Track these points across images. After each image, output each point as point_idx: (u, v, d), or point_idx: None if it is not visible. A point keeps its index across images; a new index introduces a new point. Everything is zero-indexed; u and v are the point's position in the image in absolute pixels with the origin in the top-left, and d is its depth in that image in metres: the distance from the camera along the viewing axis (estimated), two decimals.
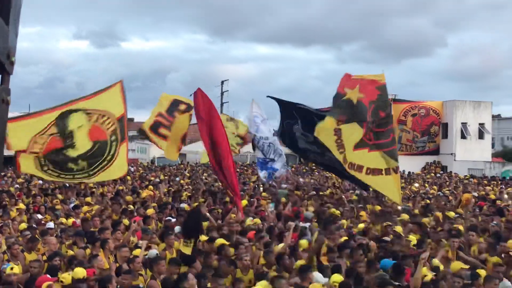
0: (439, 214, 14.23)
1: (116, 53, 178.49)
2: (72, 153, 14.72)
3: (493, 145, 46.22)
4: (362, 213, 14.86)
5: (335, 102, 16.29)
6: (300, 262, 8.86)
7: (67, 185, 20.70)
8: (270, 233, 11.37)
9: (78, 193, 18.20)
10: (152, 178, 25.48)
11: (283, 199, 17.71)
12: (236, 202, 13.81)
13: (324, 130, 15.28)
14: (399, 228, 11.89)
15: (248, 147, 52.10)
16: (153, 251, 9.41)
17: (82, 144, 14.73)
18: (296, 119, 17.81)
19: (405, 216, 13.56)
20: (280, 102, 18.81)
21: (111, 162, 14.90)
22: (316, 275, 7.96)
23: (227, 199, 17.26)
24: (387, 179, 15.33)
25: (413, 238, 10.93)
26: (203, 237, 10.41)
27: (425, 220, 13.52)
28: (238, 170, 28.79)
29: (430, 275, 8.15)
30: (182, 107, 18.24)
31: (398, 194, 15.41)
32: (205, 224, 10.75)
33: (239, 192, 14.51)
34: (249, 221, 12.45)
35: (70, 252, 9.42)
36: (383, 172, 15.28)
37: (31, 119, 15.15)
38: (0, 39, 1.23)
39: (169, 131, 18.13)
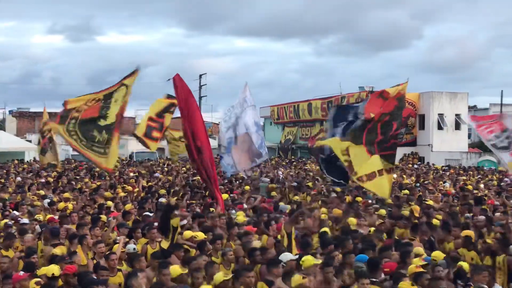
0: (416, 207, 14.27)
1: (92, 48, 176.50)
2: (102, 122, 14.91)
3: (469, 136, 46.77)
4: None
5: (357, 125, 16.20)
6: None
7: (43, 181, 20.56)
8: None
9: (54, 189, 18.06)
10: (131, 174, 25.32)
11: (274, 193, 17.86)
12: (216, 196, 13.69)
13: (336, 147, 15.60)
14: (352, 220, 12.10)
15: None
16: (131, 246, 9.36)
17: (111, 116, 14.92)
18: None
19: (382, 211, 13.63)
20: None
21: (110, 145, 14.89)
22: (286, 254, 8.20)
23: (207, 193, 17.26)
24: (381, 178, 15.37)
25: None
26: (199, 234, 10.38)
27: (404, 212, 13.59)
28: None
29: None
30: (172, 108, 18.52)
31: (388, 192, 15.46)
32: (176, 220, 10.65)
33: (218, 185, 14.42)
34: (241, 215, 12.40)
35: (55, 250, 9.32)
36: (377, 173, 15.35)
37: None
38: None
39: (160, 132, 18.31)
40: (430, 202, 15.30)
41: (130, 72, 15.43)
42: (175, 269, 7.66)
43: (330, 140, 15.82)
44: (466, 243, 10.29)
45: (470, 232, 10.67)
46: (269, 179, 21.62)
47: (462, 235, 10.63)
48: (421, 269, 7.64)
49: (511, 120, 17.62)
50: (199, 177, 15.19)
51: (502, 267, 9.32)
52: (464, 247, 10.23)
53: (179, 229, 10.55)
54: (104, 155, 14.69)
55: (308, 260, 7.85)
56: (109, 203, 14.27)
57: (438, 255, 8.86)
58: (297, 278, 7.28)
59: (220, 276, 7.38)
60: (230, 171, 20.31)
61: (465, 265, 8.46)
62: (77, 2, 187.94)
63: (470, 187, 20.05)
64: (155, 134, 18.30)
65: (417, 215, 13.29)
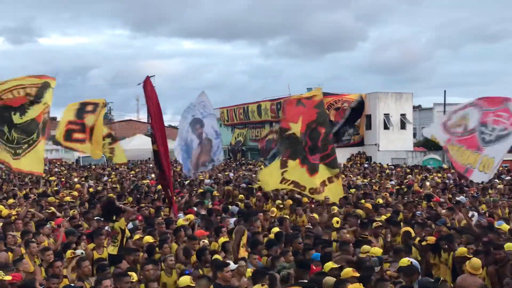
0: (368, 204, 14.54)
1: (34, 50, 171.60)
2: (16, 119, 14.38)
3: (415, 135, 47.95)
4: (288, 201, 15.23)
5: (280, 137, 16.32)
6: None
7: None
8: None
9: None
10: (77, 179, 24.82)
11: (215, 193, 17.88)
12: (171, 201, 13.60)
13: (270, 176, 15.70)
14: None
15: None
16: (78, 251, 9.18)
17: (29, 115, 14.43)
18: None
19: (335, 208, 13.81)
20: None
21: (30, 147, 14.40)
22: (230, 263, 8.10)
23: (155, 196, 17.11)
24: (331, 185, 15.69)
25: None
26: (146, 238, 10.24)
27: (359, 211, 13.83)
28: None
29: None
30: (89, 107, 18.18)
31: (341, 195, 15.76)
32: (122, 221, 10.53)
33: (173, 190, 14.33)
34: (181, 220, 12.27)
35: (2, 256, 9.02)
36: (327, 181, 15.63)
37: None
38: None
39: (84, 133, 17.91)
40: (380, 201, 15.62)
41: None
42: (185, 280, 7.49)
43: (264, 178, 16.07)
44: (405, 239, 10.46)
45: (408, 228, 10.88)
46: (210, 181, 21.81)
47: (401, 231, 10.84)
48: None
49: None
50: (160, 182, 14.98)
51: (448, 263, 9.54)
52: (403, 243, 10.33)
53: (127, 233, 10.41)
54: (16, 156, 14.37)
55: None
56: (52, 208, 13.93)
57: (375, 251, 9.00)
58: None
59: (186, 280, 7.31)
60: (189, 174, 20.56)
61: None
62: (16, 3, 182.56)
63: (416, 185, 20.55)
64: (77, 135, 17.88)
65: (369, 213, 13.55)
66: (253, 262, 8.97)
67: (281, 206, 15.41)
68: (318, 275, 7.60)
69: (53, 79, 15.75)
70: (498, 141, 16.51)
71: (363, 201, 15.27)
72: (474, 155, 16.65)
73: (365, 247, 9.35)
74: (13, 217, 12.86)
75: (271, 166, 16.28)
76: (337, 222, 11.90)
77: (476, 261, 8.28)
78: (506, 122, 16.60)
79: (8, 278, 7.36)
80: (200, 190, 18.87)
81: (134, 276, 7.65)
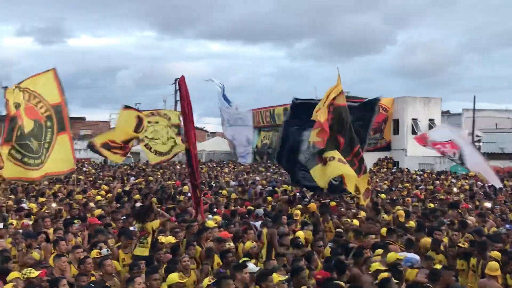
0: (401, 212, 14.41)
1: (63, 51, 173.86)
2: (24, 131, 13.86)
3: None
4: (312, 205, 15.14)
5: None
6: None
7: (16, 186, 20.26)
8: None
9: (27, 193, 17.85)
10: (106, 178, 25.16)
11: (234, 195, 17.92)
12: (199, 203, 13.63)
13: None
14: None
15: (202, 145, 51.89)
16: (104, 250, 9.29)
17: (27, 122, 13.86)
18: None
19: (362, 213, 13.76)
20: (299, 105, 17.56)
21: (48, 151, 14.13)
22: (249, 265, 8.11)
23: (181, 197, 17.22)
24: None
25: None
26: (164, 238, 10.32)
27: (388, 217, 13.75)
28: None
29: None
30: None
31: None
32: (156, 222, 10.60)
33: (201, 191, 14.39)
34: (210, 222, 12.33)
35: (35, 254, 9.18)
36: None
37: None
38: None
39: (122, 150, 17.62)
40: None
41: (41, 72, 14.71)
42: (173, 277, 7.64)
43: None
44: (434, 246, 10.40)
45: (436, 236, 10.83)
46: (235, 183, 21.97)
47: (430, 238, 10.76)
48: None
49: (459, 137, 17.83)
50: (190, 181, 15.00)
51: (476, 270, 9.44)
52: (432, 250, 10.30)
53: (156, 233, 10.49)
54: (41, 165, 13.94)
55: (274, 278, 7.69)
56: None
57: (390, 257, 8.91)
58: None
59: (174, 276, 7.46)
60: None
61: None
62: (45, 4, 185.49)
63: (443, 192, 20.37)
64: (116, 150, 17.64)
65: (402, 219, 13.43)
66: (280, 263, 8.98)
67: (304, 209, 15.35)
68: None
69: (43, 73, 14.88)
70: (466, 159, 17.00)
71: (398, 207, 15.10)
72: None
73: (378, 250, 9.35)
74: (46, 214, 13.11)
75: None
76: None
77: (494, 263, 8.39)
78: (446, 148, 17.68)
79: (34, 275, 7.50)
80: (224, 192, 18.96)
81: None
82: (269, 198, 17.17)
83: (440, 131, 18.57)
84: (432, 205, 16.07)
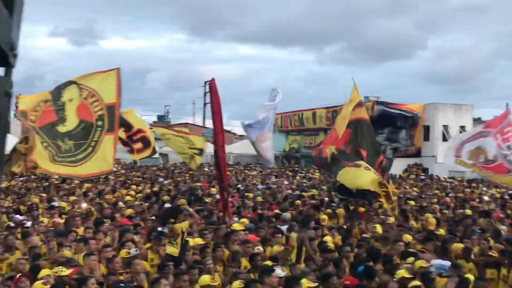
0: (432, 219, 14.29)
1: (95, 52, 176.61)
2: (61, 129, 13.71)
3: None
4: (340, 211, 15.06)
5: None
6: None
7: (47, 184, 20.60)
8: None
9: (58, 192, 18.13)
10: (135, 179, 25.41)
11: (259, 198, 17.92)
12: (227, 205, 13.66)
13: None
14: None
15: (230, 148, 52.08)
16: (133, 250, 9.36)
17: (71, 119, 13.77)
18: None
19: (391, 219, 13.64)
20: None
21: (95, 150, 14.20)
22: (277, 269, 8.06)
23: (208, 199, 17.29)
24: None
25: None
26: (192, 240, 10.38)
27: (415, 225, 13.62)
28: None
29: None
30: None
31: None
32: (185, 224, 10.65)
33: (229, 194, 14.46)
34: (237, 225, 12.34)
35: (66, 252, 9.32)
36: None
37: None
38: (4, 30, 1.18)
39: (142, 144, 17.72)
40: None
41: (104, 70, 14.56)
42: (205, 279, 7.68)
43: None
44: (465, 255, 10.25)
45: (467, 244, 10.68)
46: (262, 187, 21.98)
47: (461, 247, 10.61)
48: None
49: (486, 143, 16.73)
50: (217, 184, 15.07)
51: (507, 280, 9.29)
52: (462, 258, 10.13)
53: (185, 235, 10.53)
54: (79, 162, 14.14)
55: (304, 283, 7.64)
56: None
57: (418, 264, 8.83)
58: None
59: (206, 278, 7.44)
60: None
61: (470, 277, 8.44)
62: (79, 5, 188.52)
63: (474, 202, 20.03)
64: (136, 145, 17.79)
65: (432, 227, 13.29)
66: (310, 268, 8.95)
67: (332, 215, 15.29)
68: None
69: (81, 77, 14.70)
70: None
71: (428, 215, 14.93)
72: (509, 177, 16.06)
73: (410, 258, 9.23)
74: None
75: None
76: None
77: None
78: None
79: (66, 273, 7.63)
80: (250, 195, 18.97)
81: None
82: (297, 202, 17.11)
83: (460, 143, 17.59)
84: (469, 211, 15.85)
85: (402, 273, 7.92)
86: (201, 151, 18.04)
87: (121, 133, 17.38)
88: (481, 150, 16.66)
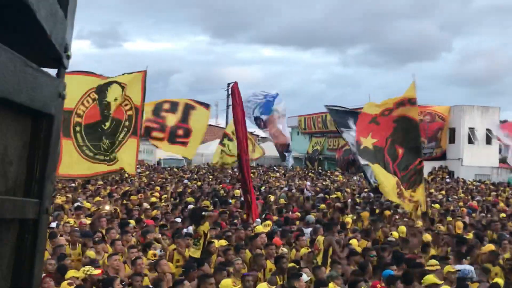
0: (459, 223, 14.13)
1: (119, 54, 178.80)
2: (105, 127, 14.06)
3: (500, 151, 46.00)
4: (364, 213, 14.95)
5: (358, 150, 16.06)
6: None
7: (73, 185, 20.82)
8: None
9: (84, 192, 18.31)
10: (159, 179, 25.56)
11: (282, 200, 17.88)
12: (252, 206, 13.65)
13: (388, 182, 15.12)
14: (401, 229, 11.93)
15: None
16: (157, 251, 9.38)
17: (110, 118, 14.13)
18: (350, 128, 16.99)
19: (419, 223, 13.51)
20: (336, 111, 18.28)
21: (120, 146, 14.21)
22: (303, 273, 8.03)
23: (233, 201, 17.29)
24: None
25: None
26: (217, 242, 10.37)
27: (442, 228, 13.46)
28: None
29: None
30: (166, 106, 17.34)
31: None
32: (206, 225, 10.67)
33: (254, 196, 14.44)
34: (260, 227, 12.30)
35: (90, 253, 9.38)
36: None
37: (85, 76, 14.43)
38: (59, 31, 1.18)
39: (163, 133, 17.37)
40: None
41: (134, 71, 14.75)
42: (227, 283, 7.66)
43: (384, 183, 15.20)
44: (491, 258, 10.14)
45: (493, 247, 10.59)
46: (287, 189, 21.95)
47: (487, 250, 10.51)
48: None
49: None
50: (241, 187, 15.12)
51: None
52: (489, 262, 10.04)
53: (208, 236, 10.55)
54: (111, 162, 14.04)
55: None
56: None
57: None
58: None
59: (227, 282, 7.40)
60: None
61: (499, 281, 8.30)
62: (103, 8, 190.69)
63: (501, 203, 19.73)
64: (156, 134, 17.05)
65: (459, 231, 13.14)
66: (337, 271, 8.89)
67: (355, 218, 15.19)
68: None
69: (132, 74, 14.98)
70: None
71: (450, 218, 14.75)
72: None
73: (432, 261, 9.14)
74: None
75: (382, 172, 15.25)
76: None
77: None
78: None
79: (97, 272, 7.72)
80: (271, 197, 18.93)
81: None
82: (322, 206, 17.00)
83: None
84: (503, 214, 15.67)
85: (431, 278, 7.78)
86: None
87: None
88: None
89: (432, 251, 10.92)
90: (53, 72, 1.34)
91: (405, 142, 15.35)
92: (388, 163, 15.09)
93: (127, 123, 14.27)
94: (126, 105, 14.25)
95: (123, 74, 14.62)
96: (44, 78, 1.23)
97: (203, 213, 11.04)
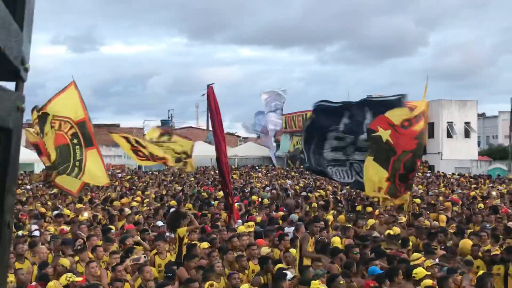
0: (443, 216, 14.27)
1: (96, 58, 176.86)
2: (48, 163, 14.06)
3: (479, 144, 46.61)
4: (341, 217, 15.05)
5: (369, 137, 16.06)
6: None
7: (53, 192, 20.63)
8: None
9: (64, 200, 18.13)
10: (140, 184, 25.42)
11: (266, 201, 17.90)
12: (232, 208, 13.66)
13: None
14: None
15: (235, 151, 52.17)
16: (142, 257, 9.31)
17: (52, 151, 13.80)
18: (338, 122, 16.92)
19: (402, 218, 13.61)
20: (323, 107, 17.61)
21: (82, 169, 14.04)
22: (287, 273, 8.08)
23: (215, 203, 17.26)
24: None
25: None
26: (200, 244, 10.33)
27: (426, 222, 13.58)
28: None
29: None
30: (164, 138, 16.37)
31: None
32: (183, 230, 10.63)
33: (233, 199, 14.44)
34: (242, 227, 12.29)
35: (64, 261, 9.26)
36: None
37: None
38: (14, 44, 1.17)
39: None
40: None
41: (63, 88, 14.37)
42: None
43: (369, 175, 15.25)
44: (472, 251, 10.25)
45: (470, 241, 10.72)
46: (269, 188, 21.95)
47: (467, 243, 10.64)
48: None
49: None
50: (222, 189, 15.09)
51: None
52: (470, 255, 10.15)
53: (185, 240, 10.47)
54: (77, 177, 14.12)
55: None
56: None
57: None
58: None
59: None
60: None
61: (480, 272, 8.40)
62: (78, 12, 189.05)
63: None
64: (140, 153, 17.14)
65: (443, 225, 13.28)
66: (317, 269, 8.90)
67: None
68: None
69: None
70: None
71: (434, 213, 14.89)
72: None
73: (415, 255, 9.28)
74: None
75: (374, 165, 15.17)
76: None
77: None
78: None
79: (79, 279, 7.62)
80: (254, 197, 18.94)
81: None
82: (314, 205, 17.03)
83: None
84: (481, 205, 15.86)
85: (422, 271, 7.85)
86: (188, 155, 17.29)
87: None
88: None
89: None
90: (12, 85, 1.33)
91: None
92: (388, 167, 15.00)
93: (75, 140, 14.06)
94: (65, 128, 14.04)
95: (53, 98, 14.25)
96: (0, 92, 1.22)
97: (186, 216, 11.00)
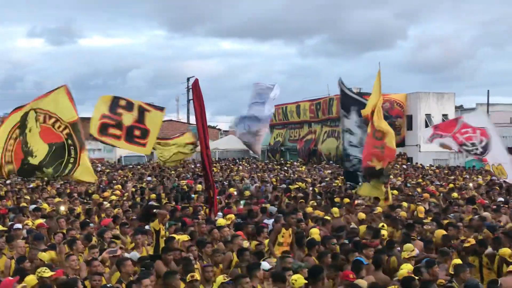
0: (421, 208, 14.45)
1: (75, 51, 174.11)
2: (34, 161, 13.49)
3: None
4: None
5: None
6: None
7: (31, 186, 20.45)
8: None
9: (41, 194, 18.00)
10: (119, 177, 25.30)
11: (247, 193, 17.97)
12: (213, 203, 13.66)
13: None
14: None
15: (216, 144, 52.11)
16: (115, 250, 9.28)
17: (40, 148, 13.57)
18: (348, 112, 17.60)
19: (379, 209, 13.76)
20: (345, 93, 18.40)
21: (76, 164, 14.00)
22: (263, 262, 8.15)
23: (195, 196, 17.27)
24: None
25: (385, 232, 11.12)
26: (178, 237, 10.34)
27: (403, 213, 13.74)
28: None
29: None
30: (123, 102, 15.57)
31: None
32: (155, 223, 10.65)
33: (216, 191, 14.44)
34: (222, 220, 12.33)
35: (42, 255, 9.22)
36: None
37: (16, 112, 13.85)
38: None
39: (120, 130, 16.60)
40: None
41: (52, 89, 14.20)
42: None
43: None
44: (445, 242, 10.37)
45: (444, 232, 10.91)
46: (248, 181, 22.05)
47: (440, 234, 10.77)
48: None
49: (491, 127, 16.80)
50: (204, 182, 15.08)
51: (491, 267, 9.38)
52: (445, 245, 10.18)
53: (162, 233, 10.44)
54: (67, 176, 14.04)
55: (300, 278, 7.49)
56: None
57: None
58: None
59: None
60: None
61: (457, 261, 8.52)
62: (55, 4, 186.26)
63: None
64: (113, 131, 16.76)
65: (421, 216, 13.46)
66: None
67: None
68: None
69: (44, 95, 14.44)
70: (489, 150, 15.83)
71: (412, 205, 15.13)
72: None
73: (408, 245, 9.34)
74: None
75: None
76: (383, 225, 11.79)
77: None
78: (475, 134, 16.04)
79: (48, 274, 7.54)
80: (232, 190, 18.97)
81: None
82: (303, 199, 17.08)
83: (477, 116, 17.71)
84: (456, 194, 16.09)
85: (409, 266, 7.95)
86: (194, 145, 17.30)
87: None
88: (445, 146, 16.95)
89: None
90: None
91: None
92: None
93: (70, 141, 13.88)
94: (59, 127, 13.89)
95: (40, 97, 14.11)
96: None
97: (154, 210, 10.95)
